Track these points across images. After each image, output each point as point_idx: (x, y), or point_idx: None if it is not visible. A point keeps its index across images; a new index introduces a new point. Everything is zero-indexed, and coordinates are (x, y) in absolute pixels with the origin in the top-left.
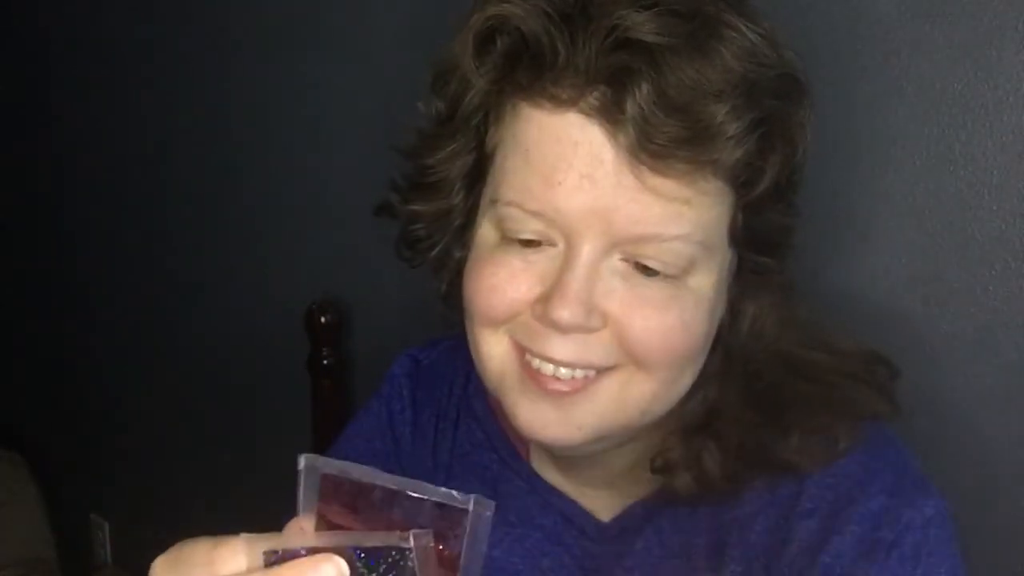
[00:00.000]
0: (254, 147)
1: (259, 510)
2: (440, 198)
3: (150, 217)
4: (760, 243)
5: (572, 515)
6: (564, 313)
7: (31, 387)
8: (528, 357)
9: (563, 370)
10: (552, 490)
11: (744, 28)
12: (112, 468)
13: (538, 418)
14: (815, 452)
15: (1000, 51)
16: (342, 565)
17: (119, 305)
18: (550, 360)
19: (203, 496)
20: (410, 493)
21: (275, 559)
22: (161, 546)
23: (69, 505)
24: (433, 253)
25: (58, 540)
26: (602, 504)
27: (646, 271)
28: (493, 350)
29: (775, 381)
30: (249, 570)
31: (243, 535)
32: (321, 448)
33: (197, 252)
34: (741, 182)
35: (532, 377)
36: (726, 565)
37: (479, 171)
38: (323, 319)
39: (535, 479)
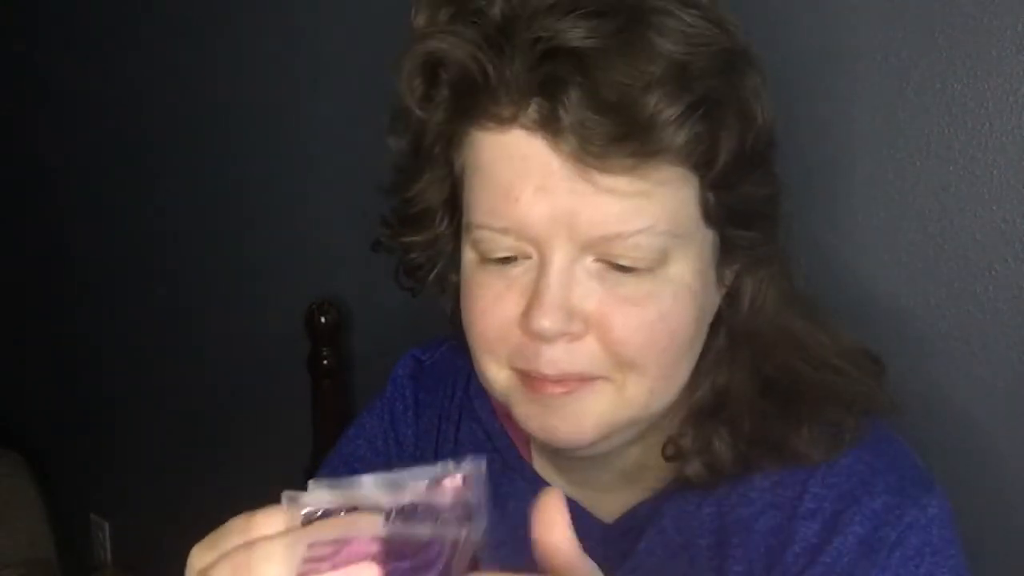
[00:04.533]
0: (254, 147)
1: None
2: (427, 227)
3: (150, 217)
4: (740, 218)
5: (574, 516)
6: (544, 322)
7: (31, 387)
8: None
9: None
10: None
11: (674, 10)
12: (112, 468)
13: (548, 424)
14: (823, 442)
15: (1000, 51)
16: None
17: (119, 305)
18: (544, 377)
19: (203, 496)
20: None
21: (315, 518)
22: (161, 546)
23: (69, 505)
24: (431, 278)
25: (58, 540)
26: (605, 505)
27: (620, 268)
28: (497, 375)
29: (784, 366)
30: (288, 530)
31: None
32: (322, 448)
33: (197, 252)
34: (697, 163)
35: (532, 387)
36: (728, 566)
37: (456, 197)
38: (323, 319)
39: (537, 479)
